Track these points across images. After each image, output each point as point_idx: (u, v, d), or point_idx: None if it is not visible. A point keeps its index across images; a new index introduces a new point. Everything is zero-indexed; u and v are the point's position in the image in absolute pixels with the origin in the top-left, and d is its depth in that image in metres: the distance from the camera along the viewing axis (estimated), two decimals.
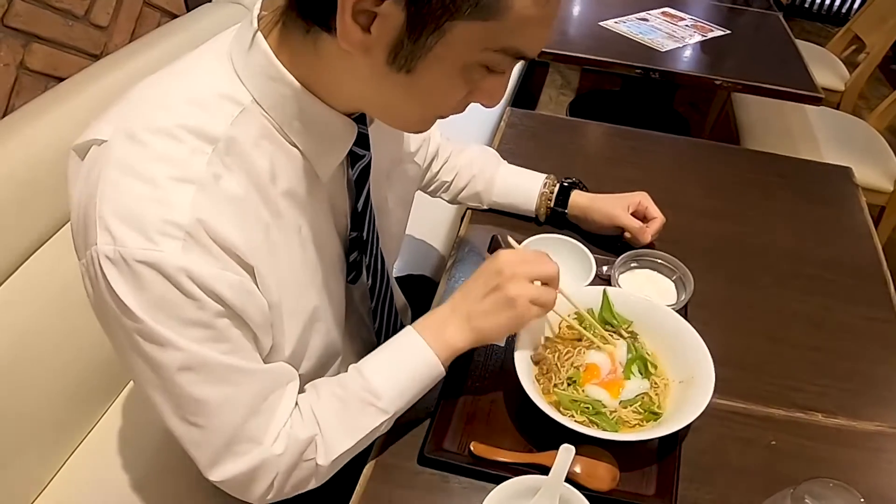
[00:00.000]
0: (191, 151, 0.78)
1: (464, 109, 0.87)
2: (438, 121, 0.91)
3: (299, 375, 1.01)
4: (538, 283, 1.03)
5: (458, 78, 0.79)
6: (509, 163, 1.54)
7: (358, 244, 1.06)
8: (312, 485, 0.97)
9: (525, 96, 3.82)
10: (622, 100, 3.42)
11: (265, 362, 0.93)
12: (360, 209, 1.02)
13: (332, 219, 1.00)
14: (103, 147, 0.80)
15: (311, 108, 0.85)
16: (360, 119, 0.94)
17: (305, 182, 0.90)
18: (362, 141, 0.96)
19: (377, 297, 1.17)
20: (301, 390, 0.98)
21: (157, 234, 0.75)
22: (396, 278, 1.63)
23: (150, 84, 0.86)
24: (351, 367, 1.00)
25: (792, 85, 2.43)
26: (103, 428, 1.46)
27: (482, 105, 0.86)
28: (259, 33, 0.81)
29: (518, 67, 3.02)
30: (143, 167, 0.77)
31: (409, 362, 0.99)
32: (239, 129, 0.81)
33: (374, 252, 1.11)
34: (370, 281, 1.13)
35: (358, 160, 0.97)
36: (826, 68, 3.40)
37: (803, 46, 2.79)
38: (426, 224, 2.01)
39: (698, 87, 2.70)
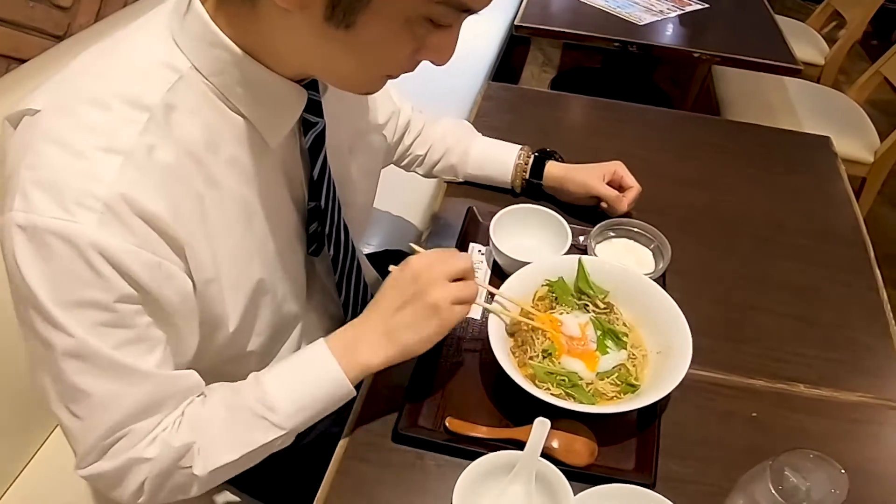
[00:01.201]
0: (121, 121, 0.75)
1: (414, 68, 0.83)
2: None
3: (250, 352, 0.99)
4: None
5: (402, 33, 0.75)
6: (488, 136, 1.52)
7: (317, 214, 1.03)
8: (195, 492, 0.91)
9: (507, 74, 3.79)
10: (603, 76, 3.40)
11: (212, 340, 0.91)
12: (315, 178, 0.99)
13: (286, 188, 0.97)
14: (35, 117, 0.77)
15: (253, 73, 0.82)
16: (312, 86, 0.91)
17: (252, 150, 0.88)
18: (314, 108, 0.93)
19: (341, 270, 1.14)
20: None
21: (74, 205, 0.71)
22: (374, 254, 1.64)
23: (89, 54, 0.83)
24: (252, 374, 0.94)
25: (770, 57, 2.43)
26: None
27: (432, 63, 0.82)
28: (196, 0, 0.78)
29: (498, 44, 2.99)
30: (71, 137, 0.74)
31: (313, 377, 0.93)
32: (176, 97, 0.78)
33: (336, 222, 1.08)
34: (332, 252, 1.09)
35: (311, 128, 0.95)
36: (806, 43, 3.39)
37: (783, 21, 2.79)
38: (405, 200, 1.99)
39: (677, 60, 2.70)
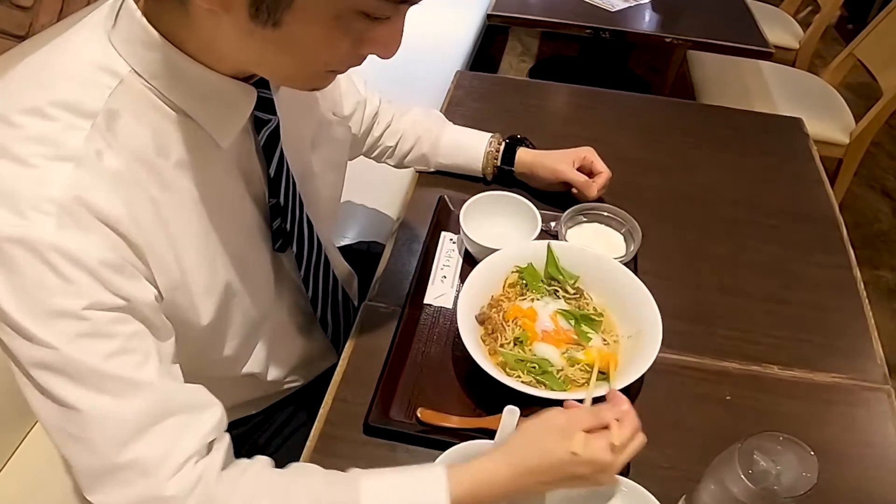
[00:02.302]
0: (65, 129, 0.73)
1: (360, 62, 0.81)
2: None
3: (224, 356, 0.97)
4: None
5: (333, 29, 0.73)
6: (460, 125, 1.51)
7: (278, 211, 1.01)
8: None
9: (485, 63, 3.78)
10: (581, 64, 3.40)
11: (183, 347, 0.85)
12: (273, 175, 0.97)
13: (244, 186, 0.95)
14: None
15: (195, 74, 0.80)
16: (263, 83, 0.89)
17: (203, 151, 0.85)
18: (266, 105, 0.91)
19: (306, 265, 1.12)
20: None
21: (30, 210, 0.69)
22: (349, 246, 1.62)
23: (27, 63, 0.80)
24: (354, 471, 0.85)
25: (742, 41, 2.44)
26: None
27: (378, 56, 0.79)
28: (129, 1, 0.76)
29: (475, 33, 2.97)
30: (17, 149, 0.71)
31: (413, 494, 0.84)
32: (118, 102, 0.76)
33: (299, 218, 1.06)
34: (295, 248, 1.08)
35: (264, 125, 0.92)
36: (780, 27, 3.39)
37: (757, 6, 2.79)
38: (380, 191, 1.98)
39: (651, 46, 2.71)
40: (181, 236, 0.83)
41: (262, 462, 0.84)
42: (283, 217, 1.02)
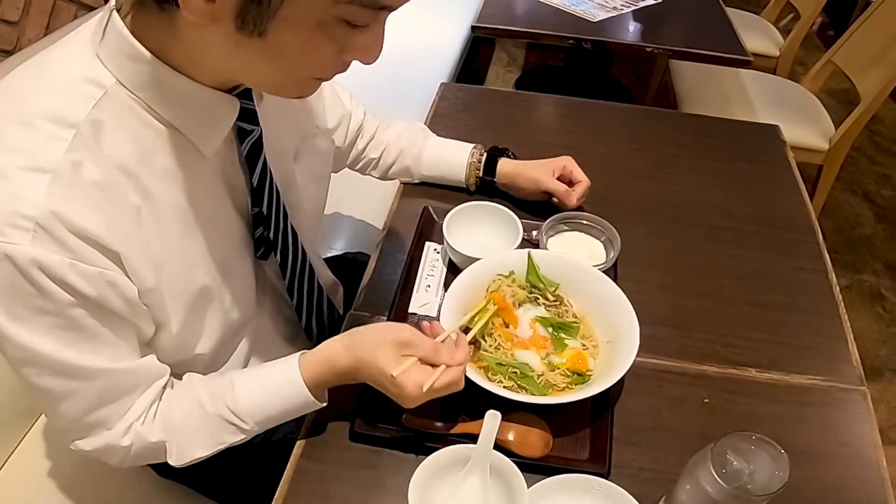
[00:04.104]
0: (46, 139, 0.75)
1: (345, 69, 0.83)
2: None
3: (199, 355, 1.00)
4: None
5: (317, 36, 0.75)
6: (444, 136, 1.52)
7: (261, 220, 1.03)
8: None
9: (471, 75, 3.80)
10: (566, 74, 3.42)
11: (151, 343, 0.94)
12: (256, 184, 0.99)
13: (227, 196, 0.97)
14: None
15: (180, 86, 0.82)
16: (246, 94, 0.91)
17: (187, 160, 0.88)
18: (249, 116, 0.93)
19: (291, 274, 1.14)
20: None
21: (7, 227, 0.73)
22: (335, 257, 1.64)
23: (13, 76, 0.82)
24: (228, 375, 1.00)
25: (721, 49, 2.47)
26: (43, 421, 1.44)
27: (361, 62, 0.81)
28: (115, 13, 0.78)
29: (461, 45, 2.99)
30: None
31: (282, 397, 0.98)
32: (102, 113, 0.78)
33: (283, 227, 1.08)
34: (279, 257, 1.10)
35: (247, 136, 0.95)
36: (760, 35, 3.42)
37: (738, 15, 2.82)
38: (367, 204, 1.98)
39: (632, 55, 2.72)
40: (160, 243, 0.86)
41: (166, 394, 0.98)
42: (266, 226, 1.04)
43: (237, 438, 0.98)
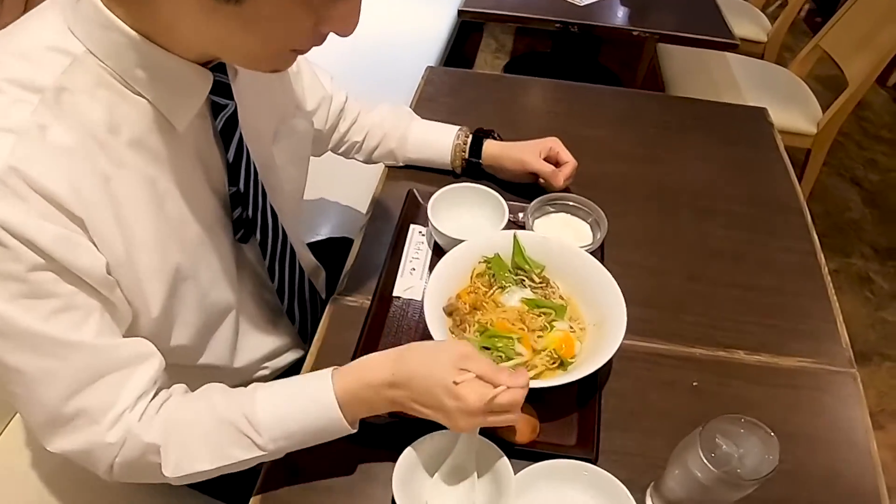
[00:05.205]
0: (12, 101, 0.74)
1: (321, 42, 0.81)
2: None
3: (180, 345, 0.97)
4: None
5: (295, 5, 0.73)
6: (430, 119, 1.51)
7: (239, 199, 1.01)
8: (166, 480, 0.90)
9: (459, 61, 3.78)
10: (554, 60, 3.40)
11: (136, 330, 0.89)
12: (231, 161, 0.97)
13: (202, 173, 0.95)
14: None
15: (151, 56, 0.80)
16: (220, 69, 0.89)
17: (159, 133, 0.86)
18: (223, 90, 0.91)
19: (271, 255, 1.12)
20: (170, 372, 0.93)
21: None
22: (319, 241, 1.63)
23: None
24: (253, 385, 0.93)
25: (708, 33, 2.46)
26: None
27: (338, 35, 0.80)
28: None
29: (448, 30, 2.97)
30: None
31: (311, 416, 0.90)
32: (70, 79, 0.77)
33: (262, 207, 1.06)
34: (259, 237, 1.07)
35: (221, 110, 0.92)
36: (748, 20, 3.42)
37: (725, 0, 2.80)
38: (352, 189, 1.95)
39: (619, 39, 2.71)
40: (131, 215, 0.83)
41: (177, 391, 0.92)
42: (244, 206, 1.02)
43: (247, 455, 0.88)
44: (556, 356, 1.04)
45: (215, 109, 0.92)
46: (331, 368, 0.92)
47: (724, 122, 1.78)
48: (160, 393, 0.90)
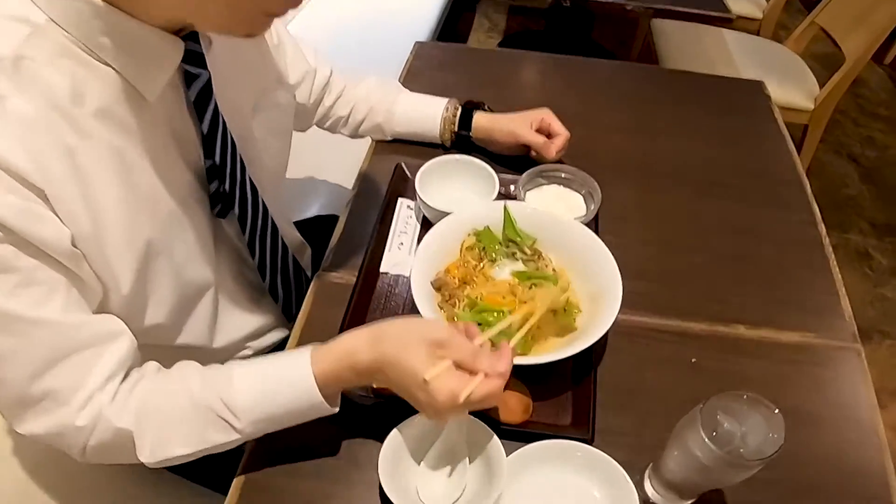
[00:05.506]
0: None
1: (297, 4, 0.79)
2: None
3: (157, 324, 0.94)
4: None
5: None
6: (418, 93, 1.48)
7: (216, 172, 0.98)
8: (143, 462, 0.87)
9: (452, 41, 3.76)
10: (547, 38, 3.38)
11: (107, 308, 0.86)
12: (206, 132, 0.94)
13: (175, 145, 0.92)
14: None
15: (118, 24, 0.77)
16: (192, 37, 0.86)
17: (127, 103, 0.82)
18: (195, 59, 0.88)
19: (251, 230, 1.09)
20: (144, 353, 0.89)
21: None
22: (307, 219, 1.61)
23: None
24: (229, 365, 0.89)
25: (702, 7, 2.43)
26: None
27: None
28: None
29: (439, 8, 2.93)
30: None
31: (288, 395, 0.86)
32: (30, 49, 0.73)
33: (241, 181, 1.03)
34: (238, 211, 1.04)
35: (194, 80, 0.89)
36: None
37: None
38: (342, 166, 1.92)
39: (613, 15, 2.67)
40: (98, 187, 0.80)
41: (150, 371, 0.88)
42: (221, 179, 0.99)
43: (226, 439, 0.85)
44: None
45: (188, 79, 0.89)
46: (309, 347, 0.88)
47: (720, 95, 1.75)
48: (132, 373, 0.86)
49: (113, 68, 0.79)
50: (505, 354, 0.85)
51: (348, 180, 1.89)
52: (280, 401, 0.86)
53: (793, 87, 2.73)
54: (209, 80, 0.91)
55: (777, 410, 0.79)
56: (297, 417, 0.88)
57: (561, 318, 1.04)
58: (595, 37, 3.56)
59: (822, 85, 2.74)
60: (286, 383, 0.86)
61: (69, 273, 0.79)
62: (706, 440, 0.77)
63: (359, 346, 0.86)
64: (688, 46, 3.01)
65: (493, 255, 1.10)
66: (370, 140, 1.51)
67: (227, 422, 0.84)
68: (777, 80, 2.64)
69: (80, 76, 0.77)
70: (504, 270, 1.09)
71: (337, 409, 0.88)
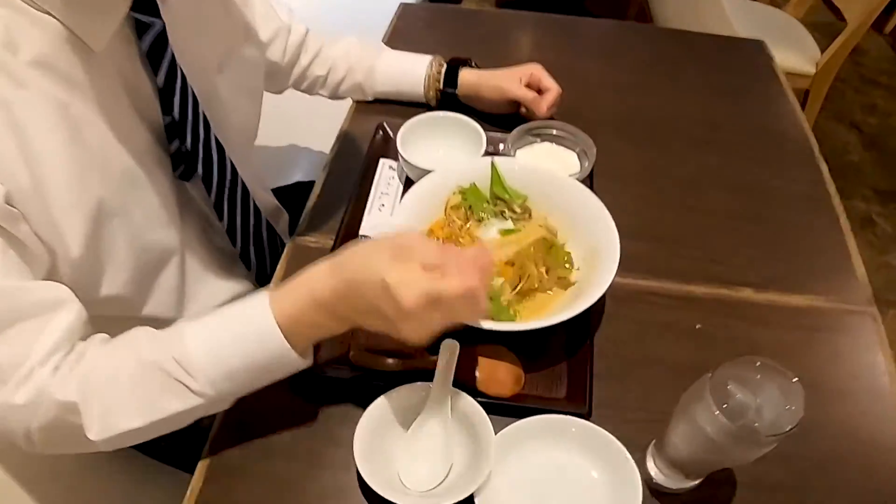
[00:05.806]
0: None
1: None
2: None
3: (115, 295, 0.88)
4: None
5: None
6: None
7: (176, 130, 0.93)
8: (99, 449, 0.79)
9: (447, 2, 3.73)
10: (541, 6, 3.33)
11: (57, 274, 0.81)
12: (162, 86, 0.89)
13: (127, 99, 0.87)
14: None
15: None
16: None
17: (71, 54, 0.78)
18: (147, 7, 0.84)
19: (218, 192, 1.03)
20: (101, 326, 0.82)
21: None
22: (286, 186, 1.58)
23: None
24: (180, 322, 0.81)
25: None
26: None
27: None
28: None
29: None
30: None
31: (246, 337, 0.78)
32: None
33: (205, 139, 0.98)
34: (202, 171, 0.99)
35: (146, 29, 0.85)
36: None
37: None
38: (325, 132, 1.88)
39: None
40: (38, 141, 0.76)
41: (96, 341, 0.80)
42: (181, 137, 0.93)
43: (183, 406, 0.76)
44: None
45: (140, 29, 0.85)
46: (266, 290, 0.79)
47: (720, 54, 1.71)
48: (77, 345, 0.78)
49: (54, 17, 0.75)
50: (482, 248, 0.78)
51: (329, 146, 1.85)
52: (239, 351, 0.77)
53: (794, 52, 2.68)
54: (164, 30, 0.86)
55: (796, 379, 0.72)
56: (264, 373, 0.79)
57: (556, 255, 0.99)
58: (587, 4, 3.51)
59: (822, 52, 2.69)
60: (244, 330, 0.77)
61: (5, 233, 0.73)
62: (716, 413, 0.70)
63: (318, 275, 0.77)
64: (685, 12, 2.95)
65: (481, 214, 1.05)
66: (351, 101, 1.45)
67: (182, 383, 0.76)
68: (778, 44, 2.55)
69: (15, 25, 0.73)
70: (492, 230, 1.04)
71: (310, 362, 0.81)
